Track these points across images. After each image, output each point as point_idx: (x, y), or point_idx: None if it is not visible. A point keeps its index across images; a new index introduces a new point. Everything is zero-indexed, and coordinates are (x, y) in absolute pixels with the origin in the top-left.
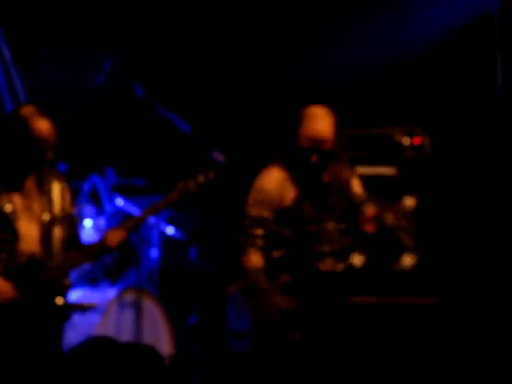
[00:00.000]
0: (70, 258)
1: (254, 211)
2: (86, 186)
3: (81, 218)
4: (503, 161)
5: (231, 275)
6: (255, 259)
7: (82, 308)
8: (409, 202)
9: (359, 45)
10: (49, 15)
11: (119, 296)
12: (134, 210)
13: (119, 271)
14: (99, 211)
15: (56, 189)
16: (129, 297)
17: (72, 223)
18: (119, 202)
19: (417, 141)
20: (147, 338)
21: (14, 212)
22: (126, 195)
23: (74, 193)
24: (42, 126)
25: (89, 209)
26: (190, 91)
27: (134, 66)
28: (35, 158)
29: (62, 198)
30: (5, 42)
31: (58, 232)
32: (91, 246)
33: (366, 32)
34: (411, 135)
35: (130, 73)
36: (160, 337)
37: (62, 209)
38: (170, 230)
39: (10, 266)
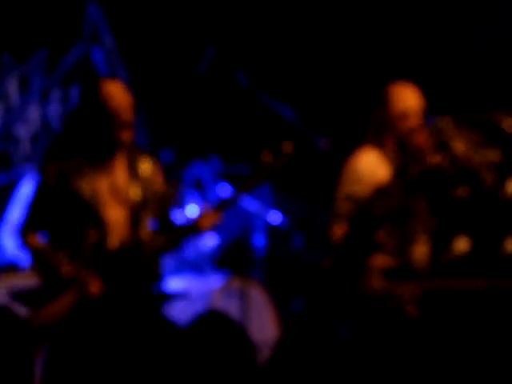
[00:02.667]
0: (159, 242)
1: (344, 189)
2: (191, 173)
3: (183, 203)
4: None
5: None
6: (339, 233)
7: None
8: None
9: None
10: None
11: (225, 285)
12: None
13: (224, 259)
14: (203, 198)
15: (146, 169)
16: (235, 285)
17: (163, 204)
18: (224, 189)
19: None
20: (253, 327)
21: (98, 196)
22: (231, 182)
23: (178, 180)
24: (112, 88)
25: (193, 195)
26: (293, 77)
27: (236, 53)
28: (109, 125)
29: (152, 178)
30: (108, 30)
31: (147, 216)
32: (181, 230)
33: None
34: None
35: (232, 61)
36: (266, 325)
37: (153, 190)
38: (274, 217)
39: (98, 255)
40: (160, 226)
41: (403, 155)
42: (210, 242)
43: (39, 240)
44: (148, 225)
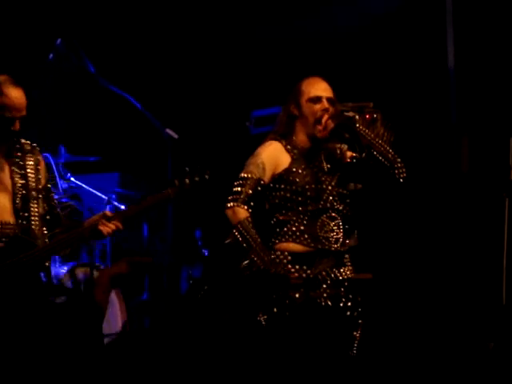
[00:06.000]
0: (60, 241)
1: (246, 171)
2: None
3: None
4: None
5: (182, 252)
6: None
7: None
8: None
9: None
10: None
11: (71, 272)
12: (88, 188)
13: (72, 250)
14: (54, 188)
15: (30, 161)
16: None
17: (48, 196)
18: (71, 179)
19: None
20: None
21: None
22: (79, 173)
23: None
24: (16, 94)
25: None
26: (141, 69)
27: (86, 44)
28: (3, 126)
29: (36, 170)
30: None
31: (35, 206)
32: (80, 233)
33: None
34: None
35: (82, 51)
36: (113, 313)
37: (37, 182)
38: (122, 208)
39: None
40: (50, 221)
41: (312, 143)
42: None
43: None
44: (38, 215)
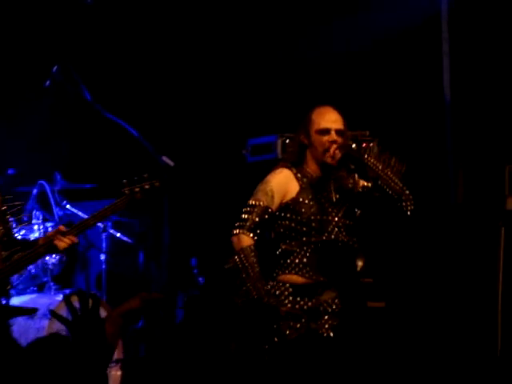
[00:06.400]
0: (17, 260)
1: (254, 199)
2: (35, 191)
3: (30, 221)
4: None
5: (178, 279)
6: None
7: (23, 312)
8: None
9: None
10: None
11: (66, 300)
12: (84, 215)
13: (67, 276)
14: (49, 216)
15: None
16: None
17: (3, 219)
18: (67, 206)
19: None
20: None
21: None
22: (75, 200)
23: (24, 198)
24: None
25: (37, 213)
26: (137, 97)
27: (83, 71)
28: None
29: None
30: None
31: None
32: (36, 250)
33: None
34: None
35: (78, 78)
36: None
37: None
38: (117, 235)
39: None
40: (6, 243)
41: (323, 173)
42: (51, 257)
43: None
44: None
